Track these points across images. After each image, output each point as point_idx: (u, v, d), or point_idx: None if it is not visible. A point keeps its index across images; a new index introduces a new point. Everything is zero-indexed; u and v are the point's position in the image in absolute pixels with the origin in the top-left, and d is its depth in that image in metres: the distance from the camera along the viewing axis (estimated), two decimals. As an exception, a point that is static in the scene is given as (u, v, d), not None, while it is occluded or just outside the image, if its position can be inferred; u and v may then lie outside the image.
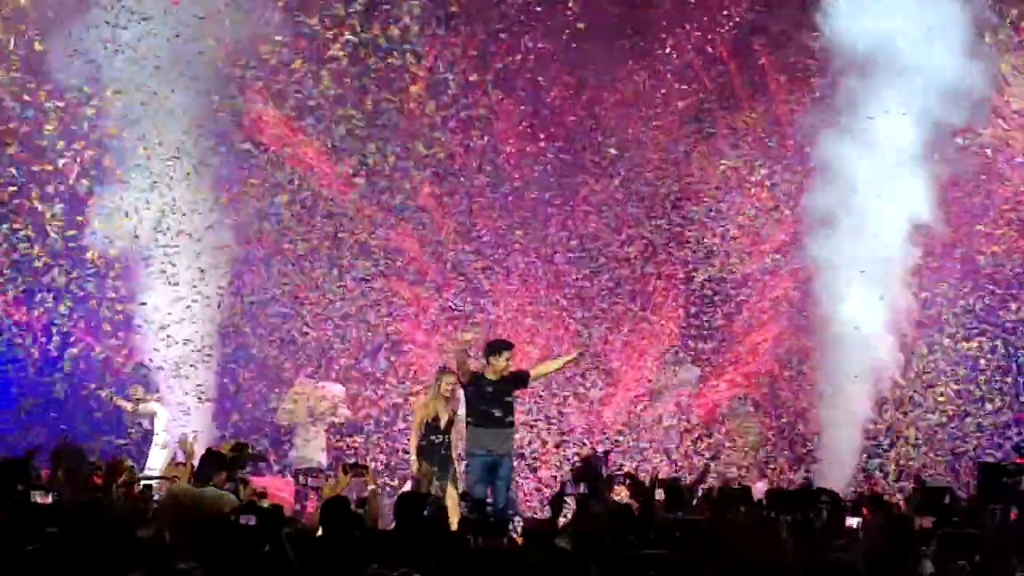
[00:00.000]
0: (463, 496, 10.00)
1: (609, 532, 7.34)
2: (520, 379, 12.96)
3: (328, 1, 15.09)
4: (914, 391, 15.03)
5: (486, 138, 15.93)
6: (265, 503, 9.03)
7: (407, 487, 13.30)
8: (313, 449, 15.05)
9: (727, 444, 15.50)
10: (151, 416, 14.58)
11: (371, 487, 8.92)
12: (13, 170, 14.50)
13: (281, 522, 6.80)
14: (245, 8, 14.85)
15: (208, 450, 10.07)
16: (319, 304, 15.50)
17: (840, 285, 14.04)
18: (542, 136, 16.07)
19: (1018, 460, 11.77)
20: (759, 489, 12.47)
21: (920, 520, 8.98)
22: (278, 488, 13.65)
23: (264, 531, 6.31)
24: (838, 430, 13.59)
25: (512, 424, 12.90)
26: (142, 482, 10.37)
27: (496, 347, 12.95)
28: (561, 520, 9.27)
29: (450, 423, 13.26)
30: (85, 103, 14.51)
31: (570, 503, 10.16)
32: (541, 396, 15.53)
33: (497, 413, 12.69)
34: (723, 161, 16.20)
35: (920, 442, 14.88)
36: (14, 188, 14.48)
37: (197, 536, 6.46)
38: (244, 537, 6.28)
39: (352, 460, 11.94)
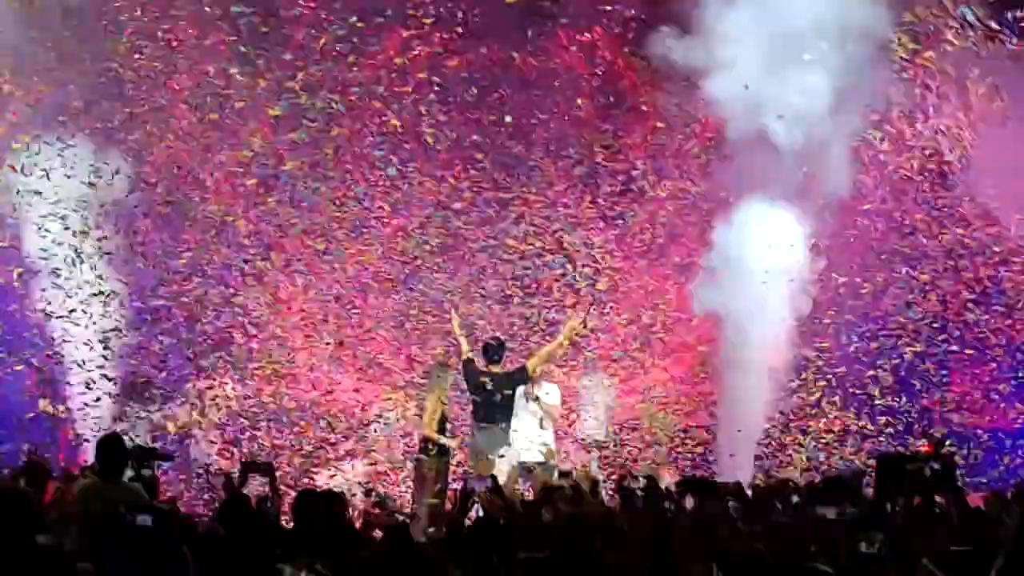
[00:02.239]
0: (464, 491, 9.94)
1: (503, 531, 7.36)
2: (520, 375, 13.25)
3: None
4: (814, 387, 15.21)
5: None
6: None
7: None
8: None
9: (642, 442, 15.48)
10: None
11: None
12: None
13: (178, 522, 6.78)
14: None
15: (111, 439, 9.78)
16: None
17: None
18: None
19: (925, 448, 11.97)
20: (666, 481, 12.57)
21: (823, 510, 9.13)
22: None
23: (161, 531, 6.28)
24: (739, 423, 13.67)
25: (509, 423, 13.13)
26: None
27: (494, 348, 13.36)
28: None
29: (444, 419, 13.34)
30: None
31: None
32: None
33: (498, 413, 13.02)
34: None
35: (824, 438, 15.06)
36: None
37: (92, 536, 6.42)
38: (139, 537, 6.25)
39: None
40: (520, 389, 13.31)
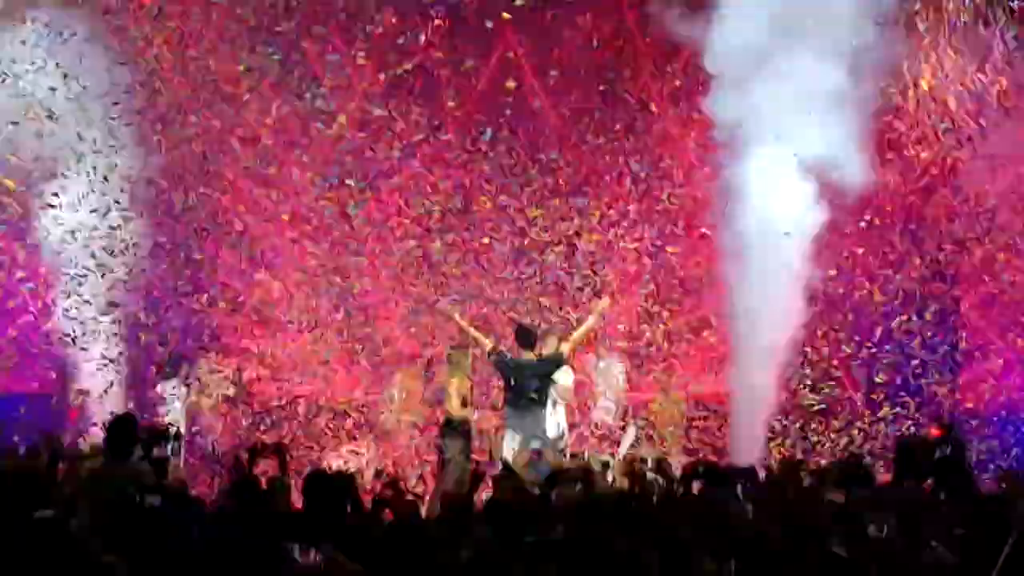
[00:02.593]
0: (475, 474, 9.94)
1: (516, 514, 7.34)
2: (556, 360, 13.26)
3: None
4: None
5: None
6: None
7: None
8: None
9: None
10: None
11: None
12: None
13: (187, 502, 6.78)
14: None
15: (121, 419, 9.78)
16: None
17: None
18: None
19: (934, 432, 11.95)
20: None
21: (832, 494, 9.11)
22: None
23: (169, 512, 6.29)
24: (747, 406, 13.61)
25: (543, 405, 13.16)
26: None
27: (528, 334, 13.42)
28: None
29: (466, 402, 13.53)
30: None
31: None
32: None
33: (534, 399, 13.03)
34: None
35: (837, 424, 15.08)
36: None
37: (101, 516, 6.42)
38: (149, 519, 6.26)
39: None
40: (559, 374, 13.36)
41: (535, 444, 12.56)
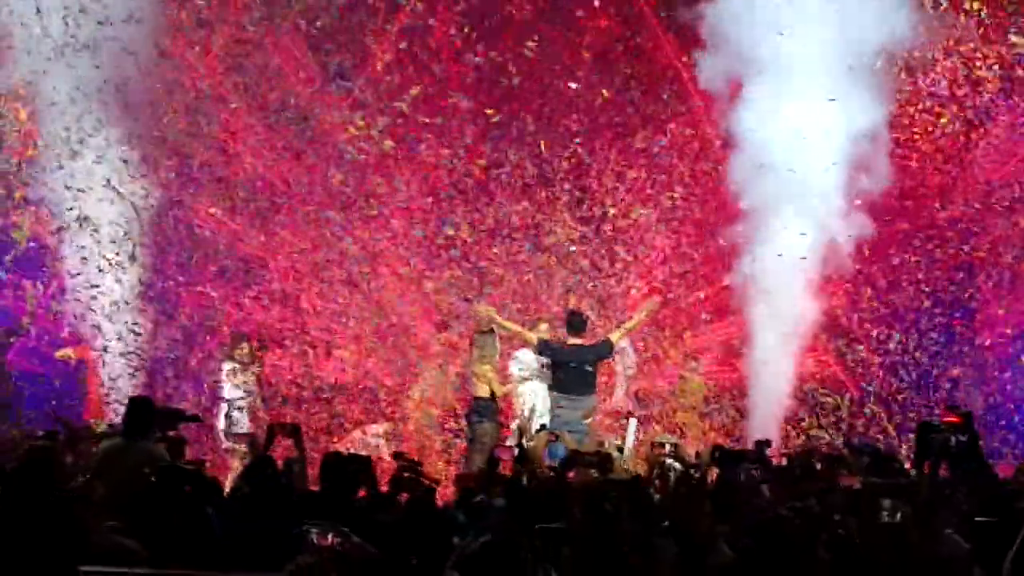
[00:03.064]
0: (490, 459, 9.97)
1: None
2: (605, 347, 13.53)
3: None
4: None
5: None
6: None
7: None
8: None
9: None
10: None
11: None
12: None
13: (203, 484, 6.80)
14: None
15: (139, 400, 9.82)
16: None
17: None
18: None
19: (951, 418, 11.89)
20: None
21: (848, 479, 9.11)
22: None
23: (185, 493, 6.31)
24: (767, 389, 13.59)
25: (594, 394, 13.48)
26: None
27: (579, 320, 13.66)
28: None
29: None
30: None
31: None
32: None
33: (583, 384, 13.28)
34: None
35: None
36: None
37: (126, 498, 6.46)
38: (166, 500, 6.29)
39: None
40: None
41: (582, 427, 12.78)
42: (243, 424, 13.97)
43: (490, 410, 13.51)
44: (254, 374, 14.37)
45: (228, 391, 14.21)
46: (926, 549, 6.79)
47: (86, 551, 5.92)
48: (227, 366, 14.32)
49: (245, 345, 14.48)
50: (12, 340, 14.93)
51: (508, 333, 13.92)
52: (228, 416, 14.03)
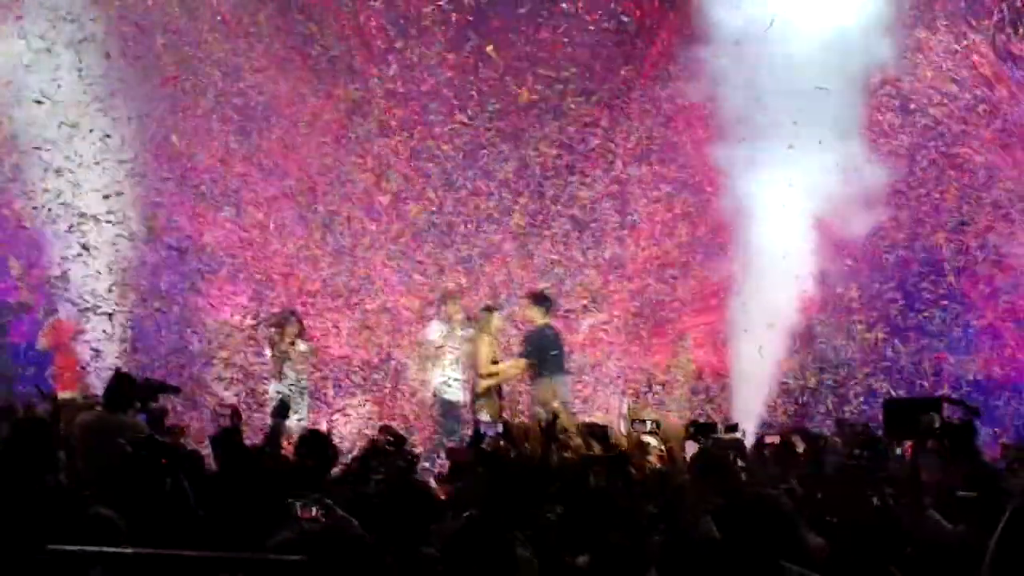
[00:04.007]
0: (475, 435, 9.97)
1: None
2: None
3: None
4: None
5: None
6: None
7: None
8: None
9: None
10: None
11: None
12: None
13: (179, 457, 6.74)
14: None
15: (120, 373, 9.74)
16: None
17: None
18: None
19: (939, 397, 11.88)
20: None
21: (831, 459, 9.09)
22: None
23: (163, 466, 6.25)
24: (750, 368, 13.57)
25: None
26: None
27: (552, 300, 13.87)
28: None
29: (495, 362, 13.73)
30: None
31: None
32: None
33: (566, 363, 13.68)
34: None
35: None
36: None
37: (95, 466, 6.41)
38: (144, 472, 6.23)
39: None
40: None
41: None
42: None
43: (490, 388, 13.56)
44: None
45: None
46: (910, 531, 6.79)
47: (60, 522, 5.87)
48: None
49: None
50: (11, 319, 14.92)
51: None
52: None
